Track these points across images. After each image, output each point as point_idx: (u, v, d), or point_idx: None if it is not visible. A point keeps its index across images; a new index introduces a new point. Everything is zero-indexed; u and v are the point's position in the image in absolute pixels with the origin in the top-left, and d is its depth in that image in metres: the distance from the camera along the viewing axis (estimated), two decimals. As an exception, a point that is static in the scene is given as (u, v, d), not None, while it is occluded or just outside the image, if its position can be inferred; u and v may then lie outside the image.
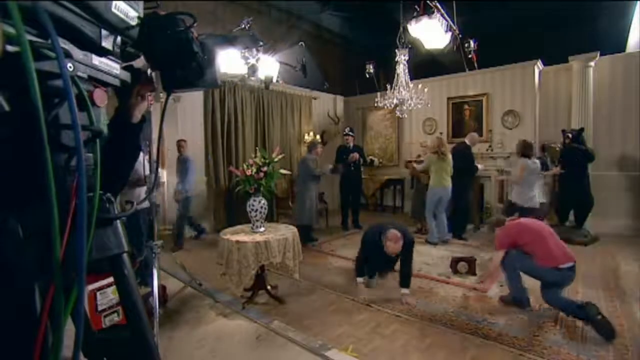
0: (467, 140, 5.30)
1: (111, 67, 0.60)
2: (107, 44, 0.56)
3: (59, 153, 0.52)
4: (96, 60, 0.56)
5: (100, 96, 0.57)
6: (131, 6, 0.57)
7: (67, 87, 0.46)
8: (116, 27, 0.56)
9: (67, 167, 0.53)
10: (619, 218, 5.44)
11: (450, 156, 4.99)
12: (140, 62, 0.68)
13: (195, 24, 0.64)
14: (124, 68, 0.64)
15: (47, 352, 0.49)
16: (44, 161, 0.45)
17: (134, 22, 0.59)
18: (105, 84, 0.59)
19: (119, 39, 0.59)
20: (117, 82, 0.62)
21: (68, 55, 0.50)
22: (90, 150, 0.56)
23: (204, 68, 0.67)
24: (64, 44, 0.50)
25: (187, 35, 0.63)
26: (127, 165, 0.79)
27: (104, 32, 0.55)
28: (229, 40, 0.76)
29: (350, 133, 6.13)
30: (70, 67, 0.50)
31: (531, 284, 2.89)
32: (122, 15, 0.56)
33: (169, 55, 0.63)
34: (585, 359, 2.21)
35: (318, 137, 7.41)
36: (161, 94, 0.73)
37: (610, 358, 2.23)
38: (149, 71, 0.70)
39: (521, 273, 2.89)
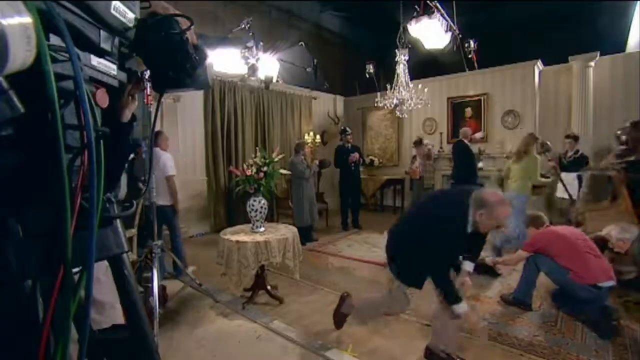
0: (461, 136, 5.24)
1: (109, 67, 0.60)
2: (105, 45, 0.57)
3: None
4: (95, 60, 0.57)
5: (102, 97, 0.57)
6: (128, 7, 0.58)
7: (80, 89, 0.46)
8: (115, 28, 0.57)
9: (70, 167, 0.53)
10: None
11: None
12: (134, 63, 0.68)
13: (192, 27, 0.64)
14: (120, 68, 0.64)
15: (50, 355, 0.49)
16: (59, 162, 0.45)
17: (131, 24, 0.59)
18: (103, 85, 0.59)
19: (117, 40, 0.59)
20: (115, 83, 0.62)
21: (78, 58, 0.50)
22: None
23: (196, 69, 0.67)
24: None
25: (181, 36, 0.62)
26: (118, 165, 0.79)
27: (102, 33, 0.56)
28: (219, 41, 0.76)
29: (348, 132, 6.12)
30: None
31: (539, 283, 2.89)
32: (120, 17, 0.56)
33: (163, 56, 0.63)
34: (585, 359, 2.22)
35: (318, 137, 7.41)
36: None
37: (610, 358, 2.23)
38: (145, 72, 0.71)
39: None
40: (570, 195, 4.67)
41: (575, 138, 4.87)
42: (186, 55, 0.63)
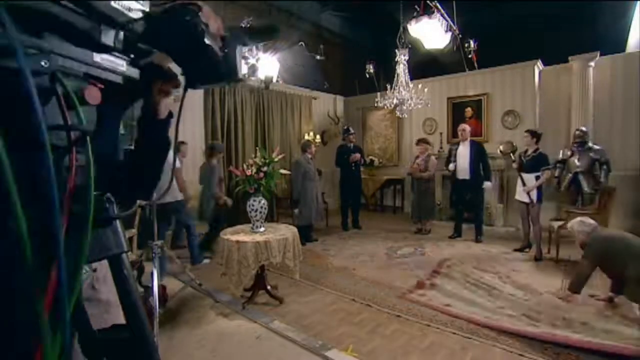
0: (459, 136, 5.24)
1: (116, 63, 0.58)
2: (107, 39, 0.55)
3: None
4: (97, 57, 0.55)
5: (93, 94, 0.55)
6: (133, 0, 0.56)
7: (26, 83, 0.42)
8: (115, 21, 0.55)
9: (60, 166, 0.52)
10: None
11: None
12: (159, 59, 0.66)
13: (200, 13, 0.58)
14: (133, 65, 0.62)
15: (49, 355, 0.49)
16: (44, 161, 0.44)
17: (136, 15, 0.57)
18: (106, 81, 0.58)
19: (121, 34, 0.57)
20: (119, 79, 0.60)
21: (46, 50, 0.47)
22: (79, 150, 0.54)
23: (219, 62, 0.62)
24: (47, 39, 0.48)
25: (196, 27, 0.58)
26: (158, 162, 0.78)
27: (104, 27, 0.54)
28: (247, 33, 0.71)
29: (351, 132, 6.12)
30: (44, 63, 0.47)
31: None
32: (121, 9, 0.54)
33: (179, 49, 0.60)
34: (584, 359, 2.21)
35: (318, 137, 7.41)
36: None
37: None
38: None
39: None
40: (531, 199, 4.25)
41: (534, 134, 4.40)
42: (204, 47, 0.59)
